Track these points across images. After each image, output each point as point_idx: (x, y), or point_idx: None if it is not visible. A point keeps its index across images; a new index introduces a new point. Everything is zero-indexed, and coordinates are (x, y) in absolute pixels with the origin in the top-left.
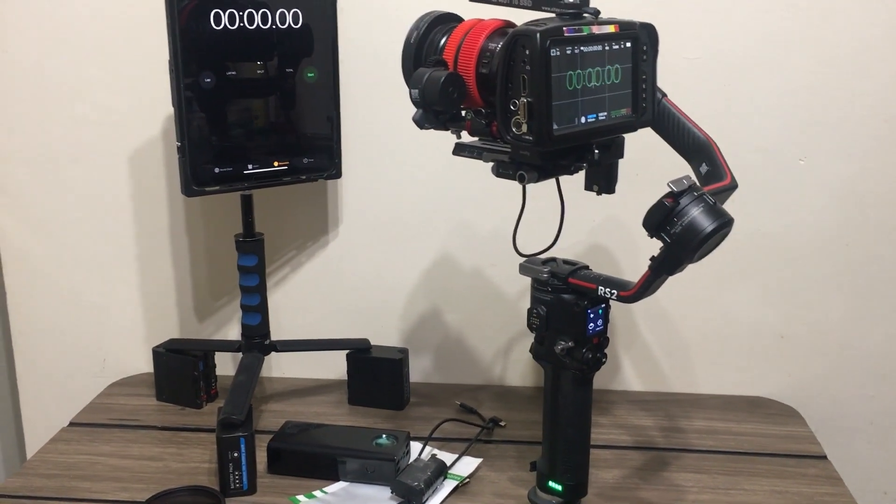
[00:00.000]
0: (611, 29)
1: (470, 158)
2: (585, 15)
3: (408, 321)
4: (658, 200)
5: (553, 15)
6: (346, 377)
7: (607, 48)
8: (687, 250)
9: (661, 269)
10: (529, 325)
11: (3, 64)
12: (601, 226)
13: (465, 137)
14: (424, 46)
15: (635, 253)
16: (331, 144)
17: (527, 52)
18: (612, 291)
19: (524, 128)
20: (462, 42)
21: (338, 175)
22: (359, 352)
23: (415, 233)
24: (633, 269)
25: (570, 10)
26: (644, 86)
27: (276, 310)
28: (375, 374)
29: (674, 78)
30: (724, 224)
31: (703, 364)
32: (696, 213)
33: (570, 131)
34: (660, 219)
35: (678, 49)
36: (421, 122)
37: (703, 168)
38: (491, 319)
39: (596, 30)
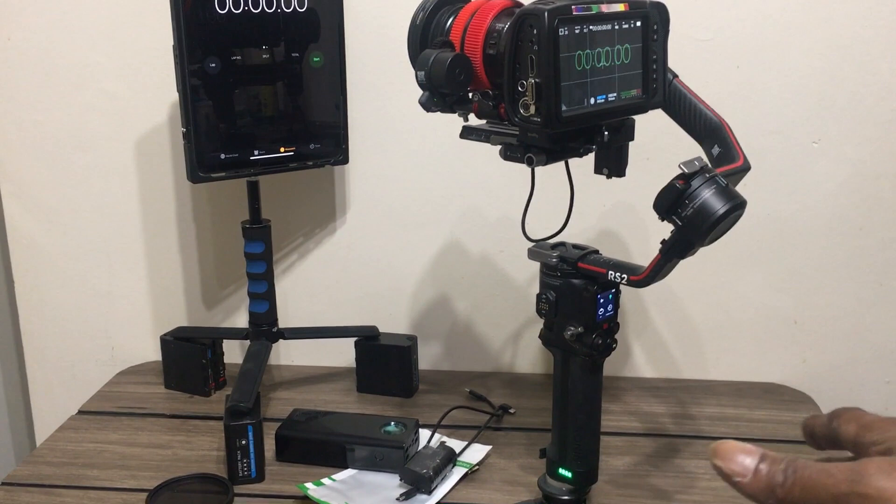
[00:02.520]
0: (620, 8)
1: (478, 142)
2: None
3: (416, 308)
4: (669, 182)
5: None
6: (354, 365)
7: (617, 27)
8: (698, 233)
9: (672, 252)
10: (538, 311)
11: (7, 51)
12: (611, 210)
13: (473, 120)
14: (430, 28)
15: (646, 237)
16: (337, 130)
17: (535, 31)
18: (623, 276)
19: (532, 109)
20: (469, 23)
21: (345, 161)
22: (367, 339)
23: (423, 219)
24: (644, 254)
25: None
26: (654, 66)
27: (284, 297)
28: (384, 361)
29: (684, 59)
30: (737, 206)
31: (714, 350)
32: (707, 195)
33: (580, 112)
34: (671, 201)
35: (689, 29)
36: (427, 105)
37: (716, 150)
38: (500, 306)
39: (605, 8)
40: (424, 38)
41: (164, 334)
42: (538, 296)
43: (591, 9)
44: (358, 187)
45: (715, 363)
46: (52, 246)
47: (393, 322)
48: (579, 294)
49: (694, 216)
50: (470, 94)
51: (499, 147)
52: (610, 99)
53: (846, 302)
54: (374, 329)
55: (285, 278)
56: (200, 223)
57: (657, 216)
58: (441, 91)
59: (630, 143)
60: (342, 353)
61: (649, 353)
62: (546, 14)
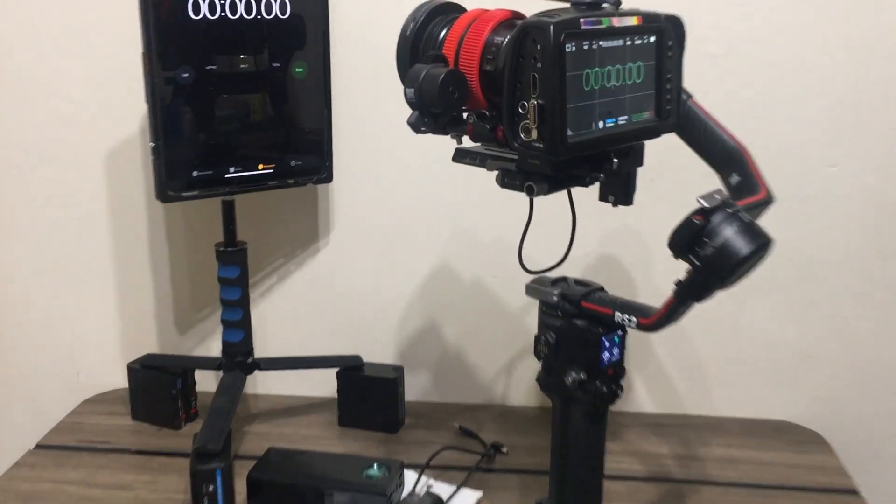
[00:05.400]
0: (633, 21)
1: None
2: (605, 5)
3: (403, 336)
4: (686, 218)
5: (568, 5)
6: (336, 395)
7: (629, 43)
8: (719, 276)
9: (688, 295)
10: (536, 353)
11: None
12: (614, 235)
13: (467, 142)
14: (422, 40)
15: (650, 265)
16: (321, 145)
17: (538, 46)
18: (631, 319)
19: (534, 133)
20: (464, 35)
21: (328, 179)
22: (350, 370)
23: (412, 241)
24: (649, 283)
25: (588, 0)
26: (669, 86)
27: (262, 323)
28: (368, 394)
29: (695, 75)
30: (763, 246)
31: (721, 385)
32: (730, 234)
33: (587, 138)
34: (688, 239)
35: (700, 44)
36: (417, 126)
37: (734, 179)
38: (493, 334)
39: (616, 22)
40: (415, 51)
41: (132, 362)
42: (536, 337)
43: (601, 22)
44: (343, 206)
45: (722, 398)
46: (15, 264)
47: (378, 350)
48: (583, 337)
49: (715, 257)
50: (464, 115)
51: (495, 172)
52: (620, 122)
53: (863, 335)
54: (357, 359)
55: (264, 302)
56: (174, 242)
57: (672, 254)
58: (432, 111)
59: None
60: (324, 382)
61: (651, 386)
62: (551, 28)
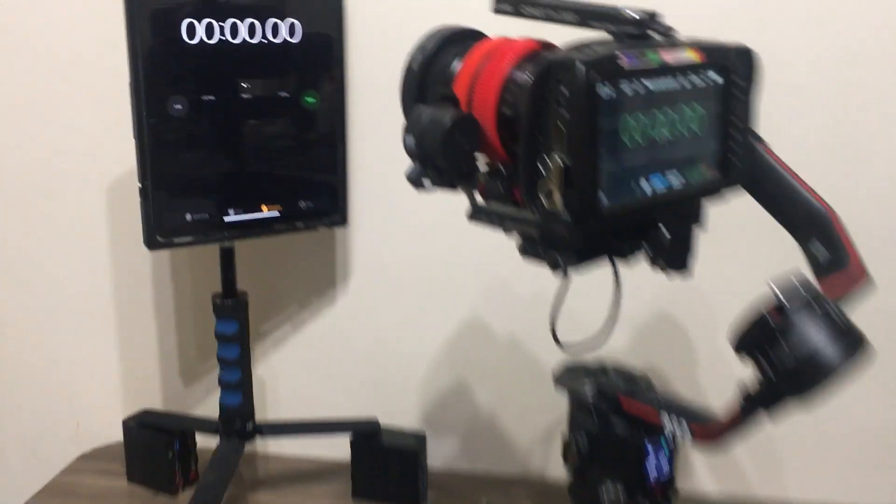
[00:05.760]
0: (691, 56)
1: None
2: (653, 34)
3: (428, 397)
4: (757, 312)
5: (607, 34)
6: (349, 461)
7: (685, 84)
8: (799, 390)
9: (758, 407)
10: (564, 456)
11: None
12: (668, 292)
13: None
14: (431, 75)
15: (713, 333)
16: (334, 184)
17: (564, 90)
18: (685, 430)
19: (557, 200)
20: (480, 69)
21: (342, 222)
22: (366, 436)
23: (438, 291)
24: (712, 357)
25: (632, 28)
26: (736, 134)
27: (272, 376)
28: (386, 464)
29: (766, 112)
30: (857, 354)
31: (796, 464)
32: (817, 340)
33: (626, 205)
34: (759, 340)
35: (774, 72)
36: (416, 180)
37: (816, 247)
38: (530, 398)
39: (669, 57)
40: (423, 87)
41: (128, 418)
42: (565, 438)
43: (646, 57)
44: (362, 250)
45: (796, 480)
46: (11, 303)
47: (399, 412)
48: (623, 446)
49: (796, 370)
50: (479, 165)
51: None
52: (672, 183)
53: None
54: (374, 423)
55: (274, 353)
56: (179, 284)
57: (734, 351)
58: (436, 164)
59: None
60: (337, 444)
61: (712, 461)
62: (580, 66)
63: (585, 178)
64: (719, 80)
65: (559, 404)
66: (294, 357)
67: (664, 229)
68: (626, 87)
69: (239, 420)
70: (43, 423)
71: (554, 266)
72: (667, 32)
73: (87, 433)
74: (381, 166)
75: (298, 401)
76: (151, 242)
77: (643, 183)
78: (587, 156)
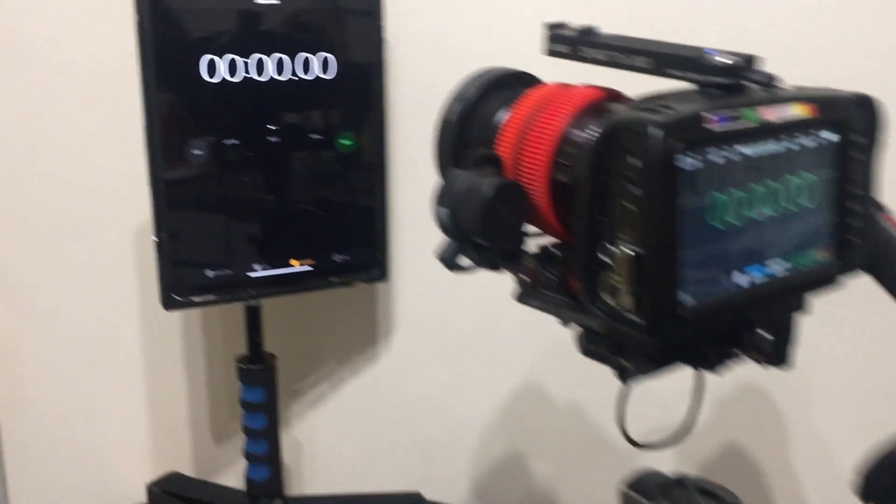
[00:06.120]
0: (799, 111)
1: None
2: (749, 85)
3: (479, 468)
4: (889, 452)
5: (691, 85)
6: None
7: (792, 147)
8: None
9: None
10: None
11: None
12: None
13: None
14: (471, 129)
15: (799, 404)
16: (373, 235)
17: (634, 161)
18: None
19: (625, 298)
20: (530, 123)
21: (382, 276)
22: None
23: (490, 350)
24: (802, 430)
25: (722, 78)
26: (855, 206)
27: (309, 439)
28: None
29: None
30: None
31: None
32: None
33: (716, 304)
34: (891, 486)
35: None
36: (450, 261)
37: None
38: (592, 471)
39: (770, 114)
40: (461, 146)
41: (153, 483)
42: None
43: (741, 117)
44: (406, 303)
45: None
46: (36, 351)
47: (446, 485)
48: None
49: None
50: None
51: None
52: (774, 273)
53: None
54: (417, 497)
55: (311, 414)
56: (210, 338)
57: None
58: (475, 241)
59: None
60: None
61: None
62: (656, 131)
63: (663, 274)
64: (834, 138)
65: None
66: (332, 419)
67: (764, 334)
68: (716, 156)
69: (265, 497)
70: (70, 480)
71: (623, 377)
72: (767, 82)
73: (113, 491)
74: (425, 214)
75: (336, 467)
76: (168, 302)
77: (737, 276)
78: (665, 244)
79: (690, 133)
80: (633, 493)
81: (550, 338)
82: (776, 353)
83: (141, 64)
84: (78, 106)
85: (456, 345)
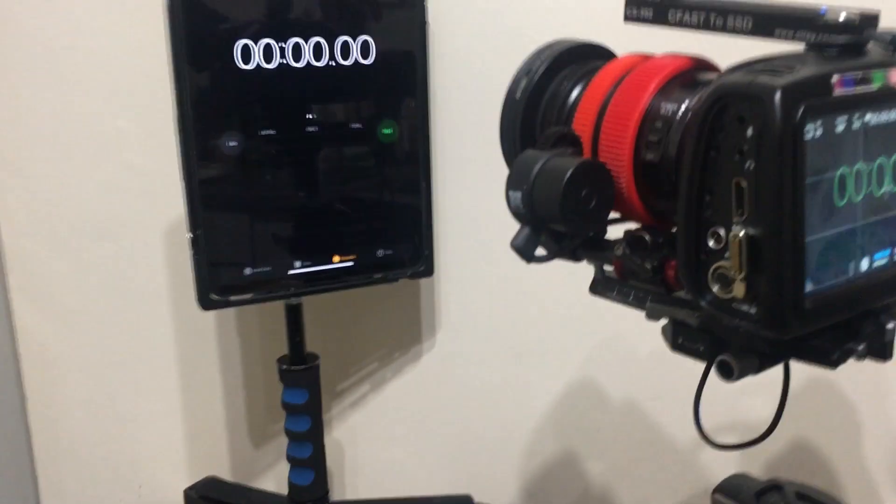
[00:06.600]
0: None
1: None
2: (869, 45)
3: (531, 470)
4: None
5: (799, 46)
6: None
7: None
8: None
9: None
10: None
11: (13, 113)
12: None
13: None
14: (541, 106)
15: (874, 398)
16: (417, 229)
17: (750, 129)
18: None
19: (738, 288)
20: (610, 99)
21: (427, 272)
22: None
23: (541, 347)
24: (876, 425)
25: (841, 39)
26: None
27: (352, 441)
28: None
29: None
30: None
31: None
32: None
33: (838, 293)
34: None
35: None
36: (527, 251)
37: None
38: (652, 473)
39: None
40: (530, 124)
41: (189, 488)
42: None
43: (870, 79)
44: (452, 300)
45: None
46: (68, 355)
47: (497, 487)
48: None
49: None
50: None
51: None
52: None
53: None
54: (467, 500)
55: (353, 415)
56: (247, 339)
57: None
58: (553, 228)
59: None
60: None
61: None
62: (779, 94)
63: (785, 259)
64: None
65: (689, 483)
66: (375, 420)
67: (888, 325)
68: (840, 123)
69: (310, 502)
70: (104, 487)
71: (725, 375)
72: (892, 40)
73: (148, 499)
74: (471, 207)
75: (379, 470)
76: (205, 302)
77: (861, 260)
78: (788, 225)
79: (818, 98)
80: (725, 500)
81: (601, 335)
82: (880, 348)
83: (172, 50)
84: (110, 102)
85: (504, 342)
